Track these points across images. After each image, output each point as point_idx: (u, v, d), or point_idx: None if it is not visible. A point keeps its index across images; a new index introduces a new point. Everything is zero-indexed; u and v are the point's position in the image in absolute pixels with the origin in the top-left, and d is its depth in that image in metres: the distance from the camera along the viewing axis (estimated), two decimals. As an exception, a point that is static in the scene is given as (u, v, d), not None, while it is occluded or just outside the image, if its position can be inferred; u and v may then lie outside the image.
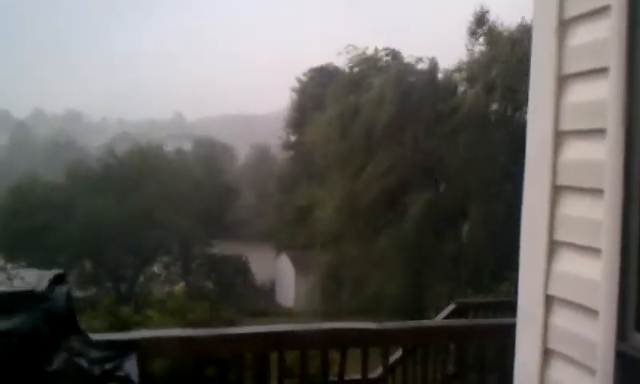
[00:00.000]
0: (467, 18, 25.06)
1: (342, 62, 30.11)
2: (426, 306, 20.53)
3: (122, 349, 3.39)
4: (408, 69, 26.15)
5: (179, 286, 15.68)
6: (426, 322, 7.94)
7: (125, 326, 9.39)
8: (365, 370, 4.56)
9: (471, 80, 24.54)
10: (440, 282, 22.16)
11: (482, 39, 25.07)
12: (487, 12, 24.98)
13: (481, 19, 24.98)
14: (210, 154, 45.28)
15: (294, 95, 40.61)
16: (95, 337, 3.61)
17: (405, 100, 24.05)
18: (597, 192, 2.21)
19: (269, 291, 35.97)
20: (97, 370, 3.13)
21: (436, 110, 24.13)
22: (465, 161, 22.53)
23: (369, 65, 28.02)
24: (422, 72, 25.75)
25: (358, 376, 4.62)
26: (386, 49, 28.44)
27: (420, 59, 26.21)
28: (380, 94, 24.42)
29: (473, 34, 25.06)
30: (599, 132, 2.21)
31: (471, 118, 22.98)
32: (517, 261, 2.65)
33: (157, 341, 4.19)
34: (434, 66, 25.95)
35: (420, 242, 23.43)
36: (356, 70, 28.91)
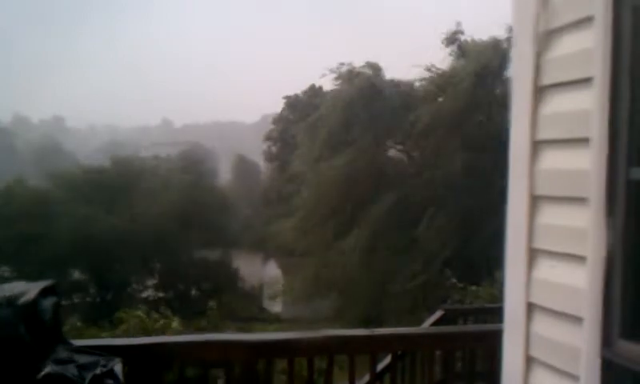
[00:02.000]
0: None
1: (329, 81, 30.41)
2: (414, 311, 20.61)
3: (108, 355, 3.40)
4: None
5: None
6: (413, 329, 7.95)
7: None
8: (352, 377, 4.57)
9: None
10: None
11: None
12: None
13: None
14: (198, 161, 45.23)
15: (279, 109, 41.18)
16: (81, 343, 3.61)
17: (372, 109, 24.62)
18: (576, 200, 2.25)
19: (257, 297, 35.97)
20: (86, 377, 3.15)
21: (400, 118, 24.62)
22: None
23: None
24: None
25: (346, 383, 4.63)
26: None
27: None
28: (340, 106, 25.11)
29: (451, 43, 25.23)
30: (577, 141, 2.24)
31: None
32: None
33: (143, 347, 4.19)
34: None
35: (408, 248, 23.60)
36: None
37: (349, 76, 25.98)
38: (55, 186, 34.35)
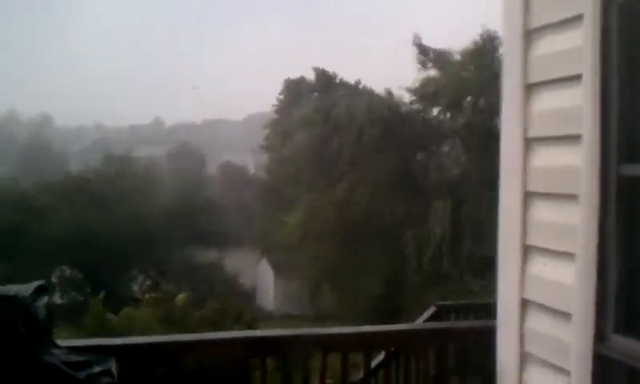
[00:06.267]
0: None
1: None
2: (407, 307, 20.65)
3: (101, 355, 3.39)
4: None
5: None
6: (406, 325, 7.95)
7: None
8: (345, 374, 4.57)
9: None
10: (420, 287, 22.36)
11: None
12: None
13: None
14: (188, 161, 45.13)
15: (276, 101, 40.87)
16: (74, 343, 3.60)
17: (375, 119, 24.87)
18: (568, 197, 2.26)
19: (249, 295, 35.96)
20: (81, 375, 3.14)
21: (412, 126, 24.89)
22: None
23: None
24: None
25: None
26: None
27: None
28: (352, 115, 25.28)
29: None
30: (569, 138, 2.25)
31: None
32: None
33: (136, 347, 4.18)
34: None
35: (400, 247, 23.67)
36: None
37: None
38: (48, 185, 34.30)
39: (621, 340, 2.04)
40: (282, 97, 40.84)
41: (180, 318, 13.09)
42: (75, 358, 3.23)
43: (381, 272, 23.85)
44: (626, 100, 2.07)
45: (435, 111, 26.08)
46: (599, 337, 2.09)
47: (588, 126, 2.14)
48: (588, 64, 2.14)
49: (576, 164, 2.19)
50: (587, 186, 2.14)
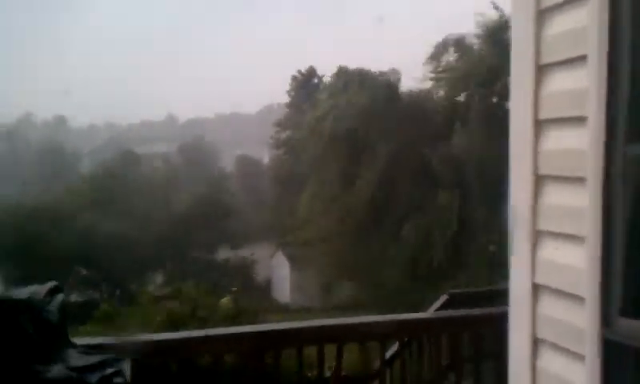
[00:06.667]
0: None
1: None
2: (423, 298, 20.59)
3: (116, 353, 3.40)
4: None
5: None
6: (419, 315, 7.91)
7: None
8: (362, 364, 4.57)
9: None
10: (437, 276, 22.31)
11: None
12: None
13: None
14: (201, 156, 45.35)
15: (285, 95, 41.02)
16: (89, 341, 3.62)
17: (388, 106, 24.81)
18: (578, 180, 2.22)
19: (265, 288, 36.10)
20: (93, 379, 3.13)
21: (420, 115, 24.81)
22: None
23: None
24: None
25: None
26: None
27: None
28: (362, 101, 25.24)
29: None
30: (579, 119, 2.22)
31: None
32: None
33: (151, 344, 4.19)
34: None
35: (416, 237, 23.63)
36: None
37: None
38: (62, 188, 34.74)
39: (627, 323, 2.02)
40: (292, 90, 41.00)
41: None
42: (88, 359, 3.23)
43: (397, 263, 23.83)
44: (634, 78, 2.02)
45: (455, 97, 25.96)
46: (606, 321, 2.07)
47: (593, 106, 2.11)
48: (593, 43, 2.10)
49: (584, 146, 2.16)
50: (593, 167, 2.11)
